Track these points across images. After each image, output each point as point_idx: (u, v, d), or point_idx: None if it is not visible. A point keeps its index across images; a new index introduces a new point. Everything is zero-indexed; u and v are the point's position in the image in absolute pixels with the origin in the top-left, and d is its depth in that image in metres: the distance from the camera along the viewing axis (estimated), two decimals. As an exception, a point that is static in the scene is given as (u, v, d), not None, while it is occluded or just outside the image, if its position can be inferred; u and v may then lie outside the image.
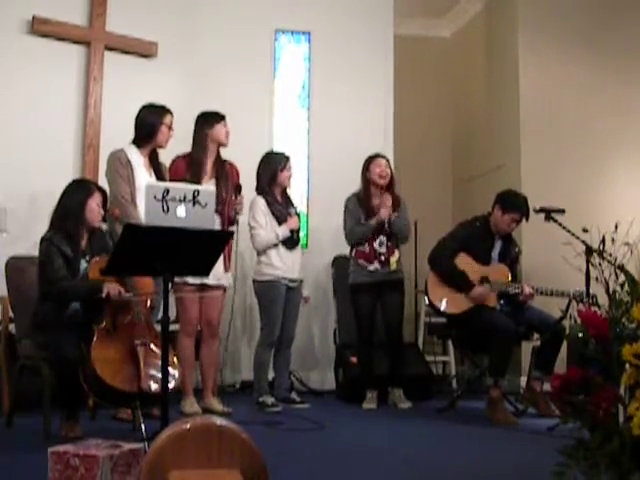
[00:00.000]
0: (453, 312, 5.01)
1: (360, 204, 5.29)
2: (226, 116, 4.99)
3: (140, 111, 4.78)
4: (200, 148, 4.90)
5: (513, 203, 5.02)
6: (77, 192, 4.17)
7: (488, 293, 4.92)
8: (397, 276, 5.31)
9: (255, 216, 5.18)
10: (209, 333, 4.93)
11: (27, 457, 3.42)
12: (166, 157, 4.91)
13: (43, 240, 4.04)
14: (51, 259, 3.96)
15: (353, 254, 5.32)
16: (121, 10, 5.63)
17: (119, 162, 4.62)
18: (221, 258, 4.58)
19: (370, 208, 5.25)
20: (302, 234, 5.48)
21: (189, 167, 4.84)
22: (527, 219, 5.07)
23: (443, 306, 5.02)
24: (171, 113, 4.80)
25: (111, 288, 3.84)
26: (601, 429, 1.91)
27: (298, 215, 5.39)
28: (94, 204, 4.13)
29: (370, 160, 5.34)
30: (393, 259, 5.27)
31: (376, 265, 5.23)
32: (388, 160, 5.37)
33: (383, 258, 5.24)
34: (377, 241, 5.24)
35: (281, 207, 5.25)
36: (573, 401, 2.00)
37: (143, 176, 4.66)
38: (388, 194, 5.25)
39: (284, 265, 5.19)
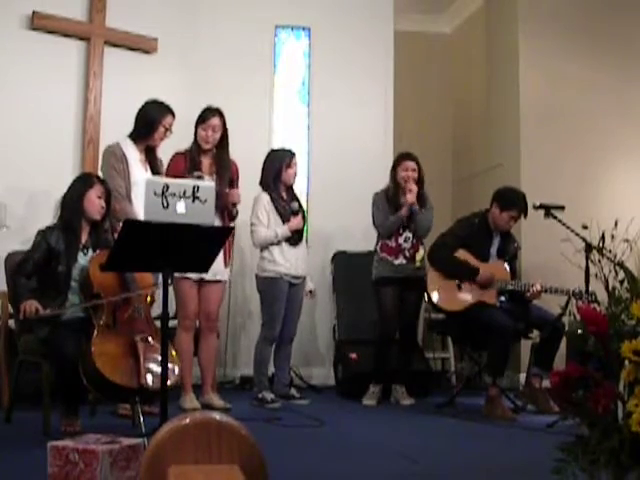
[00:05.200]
0: (453, 309, 5.01)
1: (388, 200, 5.27)
2: (217, 110, 4.91)
3: (144, 105, 4.77)
4: (193, 145, 4.89)
5: (511, 200, 5.02)
6: (78, 184, 4.19)
7: (494, 277, 4.92)
8: (421, 273, 5.25)
9: (257, 213, 5.17)
10: (207, 327, 4.92)
11: (27, 452, 3.42)
12: (165, 154, 4.89)
13: (39, 232, 4.07)
14: (33, 250, 4.01)
15: (378, 248, 5.29)
16: (121, 5, 5.63)
17: (114, 156, 4.62)
18: (221, 252, 4.57)
19: (398, 204, 5.21)
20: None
21: (187, 162, 4.82)
22: (525, 216, 5.06)
23: (443, 303, 5.02)
24: (173, 115, 4.77)
25: (27, 306, 3.82)
26: (600, 426, 1.91)
27: (303, 212, 5.35)
28: (94, 196, 4.12)
29: (399, 161, 5.30)
30: (418, 256, 5.25)
31: (401, 260, 5.21)
32: (417, 161, 5.28)
33: (408, 254, 5.22)
34: (402, 236, 5.22)
35: (285, 203, 5.25)
36: (572, 398, 2.00)
37: (139, 171, 4.66)
38: (413, 182, 5.19)
39: (287, 262, 5.18)
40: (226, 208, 4.84)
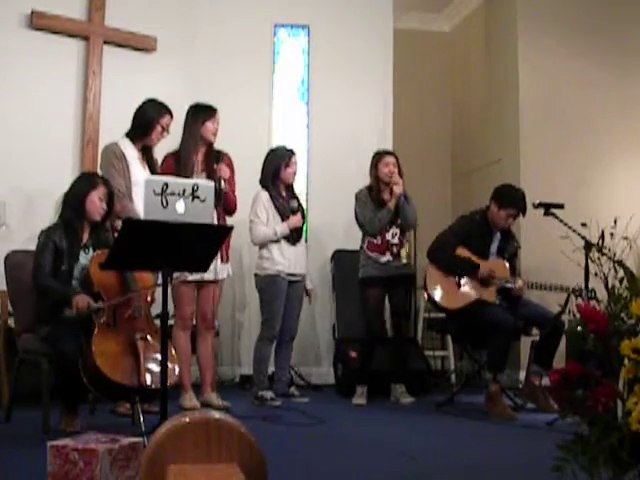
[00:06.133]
0: (452, 307, 5.01)
1: (371, 197, 5.27)
2: (218, 110, 4.89)
3: (142, 104, 4.76)
4: (190, 142, 4.80)
5: (509, 199, 5.01)
6: (81, 184, 4.20)
7: (494, 271, 4.92)
8: (408, 271, 5.28)
9: (256, 210, 5.18)
10: (204, 326, 4.91)
11: (26, 451, 3.42)
12: (161, 154, 4.87)
13: (42, 232, 4.07)
14: (42, 252, 4.00)
15: (365, 247, 5.28)
16: (120, 4, 5.63)
17: (114, 155, 4.62)
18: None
19: (381, 201, 5.22)
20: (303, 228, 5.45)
21: (178, 163, 4.76)
22: (524, 215, 5.06)
23: (442, 301, 5.02)
24: (171, 115, 4.77)
25: (79, 300, 3.84)
26: (600, 424, 1.91)
27: (302, 211, 5.37)
28: (96, 197, 4.12)
29: (378, 158, 5.30)
30: (403, 252, 5.26)
31: (388, 257, 5.20)
32: (396, 156, 5.31)
33: (395, 250, 5.22)
34: (390, 232, 5.22)
35: (284, 202, 5.25)
36: (572, 396, 2.00)
37: (138, 170, 4.66)
38: (397, 174, 5.19)
39: (285, 260, 5.18)
40: (218, 191, 4.61)
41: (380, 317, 5.28)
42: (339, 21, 6.50)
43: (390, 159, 5.26)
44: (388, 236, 5.22)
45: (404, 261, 5.26)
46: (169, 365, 3.40)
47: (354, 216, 5.33)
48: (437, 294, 5.03)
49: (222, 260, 4.84)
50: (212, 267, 4.14)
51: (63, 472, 2.81)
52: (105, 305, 3.89)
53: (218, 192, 4.54)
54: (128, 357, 3.74)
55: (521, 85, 6.43)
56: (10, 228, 5.15)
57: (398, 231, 5.24)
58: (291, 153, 5.30)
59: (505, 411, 4.69)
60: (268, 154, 5.33)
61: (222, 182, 4.73)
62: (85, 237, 4.15)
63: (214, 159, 4.84)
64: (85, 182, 4.21)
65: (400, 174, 5.23)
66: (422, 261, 5.50)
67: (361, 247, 5.33)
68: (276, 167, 5.23)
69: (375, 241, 5.24)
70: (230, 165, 4.92)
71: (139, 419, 3.60)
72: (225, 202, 4.82)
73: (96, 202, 4.12)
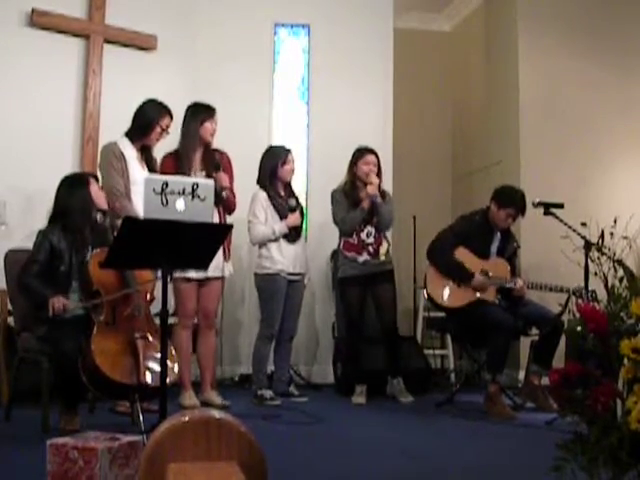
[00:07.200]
0: (452, 306, 5.01)
1: (346, 196, 5.27)
2: (217, 110, 4.90)
3: (142, 104, 4.76)
4: (190, 141, 4.81)
5: (508, 199, 5.01)
6: (76, 187, 4.17)
7: (488, 283, 4.93)
8: (387, 267, 5.28)
9: (255, 211, 5.17)
10: (206, 324, 4.92)
11: (26, 450, 3.43)
12: (158, 152, 4.88)
13: (40, 232, 4.07)
14: (37, 251, 4.01)
15: (341, 247, 5.29)
16: (120, 3, 5.62)
17: (113, 155, 4.62)
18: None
19: (357, 199, 5.21)
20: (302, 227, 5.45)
21: (177, 162, 4.77)
22: (523, 215, 5.06)
23: (442, 300, 5.02)
24: (171, 116, 4.77)
25: (55, 302, 3.84)
26: (599, 423, 1.91)
27: (301, 210, 5.37)
28: (96, 188, 4.18)
29: (360, 155, 5.28)
30: (382, 250, 5.25)
31: (365, 256, 5.20)
32: (377, 155, 5.29)
33: (372, 249, 5.21)
34: (364, 232, 5.22)
35: (283, 201, 5.25)
36: (571, 395, 2.00)
37: (137, 169, 4.67)
38: (374, 173, 5.18)
39: (284, 259, 5.18)
40: (219, 198, 4.64)
41: (360, 316, 5.28)
42: (339, 21, 6.49)
43: (371, 158, 5.25)
44: (363, 235, 5.22)
45: (382, 258, 5.25)
46: (168, 364, 3.40)
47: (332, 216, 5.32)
48: (437, 293, 5.03)
49: (224, 258, 4.85)
50: (214, 264, 4.13)
51: (62, 470, 2.81)
52: (84, 305, 3.89)
53: (219, 198, 4.58)
54: (127, 356, 3.74)
55: (521, 85, 6.43)
56: (10, 227, 5.15)
57: (373, 230, 5.23)
58: (287, 151, 5.29)
59: (504, 411, 4.69)
60: (264, 153, 5.33)
61: (223, 192, 4.73)
62: (85, 236, 4.15)
63: (213, 159, 4.84)
64: (79, 184, 4.18)
65: (379, 173, 5.24)
66: (422, 262, 5.50)
67: (338, 247, 5.33)
68: (273, 166, 5.22)
69: (351, 240, 5.24)
70: (228, 163, 4.93)
71: (138, 418, 3.60)
72: (226, 204, 4.84)
73: (99, 193, 4.19)
